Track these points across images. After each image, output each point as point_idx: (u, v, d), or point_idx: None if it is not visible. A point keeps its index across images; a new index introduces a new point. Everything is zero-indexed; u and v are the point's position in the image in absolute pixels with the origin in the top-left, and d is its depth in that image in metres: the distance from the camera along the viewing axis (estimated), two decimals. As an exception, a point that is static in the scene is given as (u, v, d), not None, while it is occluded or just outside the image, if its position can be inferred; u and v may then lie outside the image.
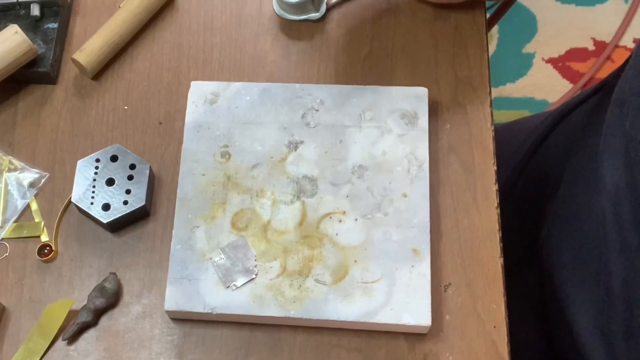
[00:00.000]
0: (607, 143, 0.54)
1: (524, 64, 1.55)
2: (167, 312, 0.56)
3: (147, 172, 0.59)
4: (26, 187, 0.61)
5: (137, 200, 0.58)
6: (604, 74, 1.51)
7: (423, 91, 0.60)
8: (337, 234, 0.56)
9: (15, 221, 0.60)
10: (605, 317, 0.55)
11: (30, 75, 0.64)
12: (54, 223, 0.60)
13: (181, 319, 0.57)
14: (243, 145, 0.59)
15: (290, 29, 0.66)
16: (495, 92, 1.52)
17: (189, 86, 0.62)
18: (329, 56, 0.65)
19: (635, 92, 0.50)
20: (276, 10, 0.66)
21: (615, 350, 0.55)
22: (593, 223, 0.56)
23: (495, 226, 0.58)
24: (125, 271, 0.58)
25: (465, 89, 0.63)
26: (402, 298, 0.54)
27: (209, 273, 0.55)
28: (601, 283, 0.55)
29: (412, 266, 0.55)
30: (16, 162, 0.62)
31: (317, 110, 0.60)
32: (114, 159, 0.60)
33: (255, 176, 0.58)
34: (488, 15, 0.66)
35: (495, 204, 0.59)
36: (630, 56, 0.55)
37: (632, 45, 1.56)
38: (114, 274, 0.57)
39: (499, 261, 0.57)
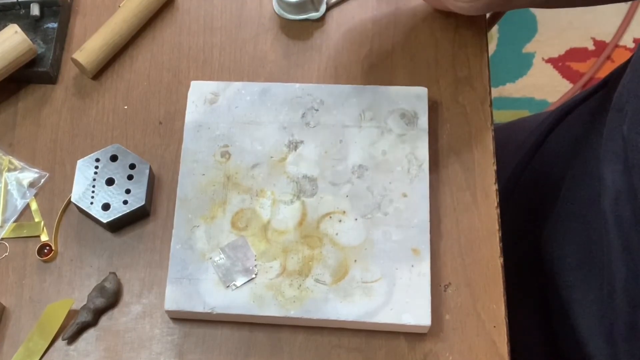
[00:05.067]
0: (607, 146, 0.54)
1: (524, 64, 1.55)
2: (167, 312, 0.56)
3: (147, 172, 0.59)
4: (26, 186, 0.61)
5: (136, 200, 0.58)
6: (604, 73, 1.51)
7: (423, 91, 0.60)
8: (337, 234, 0.56)
9: (15, 221, 0.60)
10: (608, 317, 0.55)
11: (30, 75, 0.64)
12: (54, 223, 0.60)
13: (181, 318, 0.57)
14: (243, 145, 0.59)
15: (290, 29, 0.66)
16: (495, 92, 1.52)
17: (189, 86, 0.62)
18: (329, 56, 0.65)
19: (632, 96, 0.50)
20: (276, 10, 0.66)
21: (618, 350, 0.55)
22: (595, 224, 0.56)
23: (495, 226, 0.58)
24: (125, 271, 0.58)
25: (465, 89, 0.63)
26: (402, 298, 0.54)
27: (209, 273, 0.55)
28: (604, 284, 0.55)
29: (412, 266, 0.55)
30: (16, 162, 0.62)
31: (317, 110, 0.60)
32: (113, 158, 0.60)
33: (255, 176, 0.58)
34: (488, 15, 0.66)
35: (495, 204, 0.59)
36: (629, 59, 0.55)
37: (632, 45, 1.56)
38: (114, 273, 0.58)
39: (499, 261, 0.57)
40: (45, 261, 0.59)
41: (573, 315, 0.60)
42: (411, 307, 0.54)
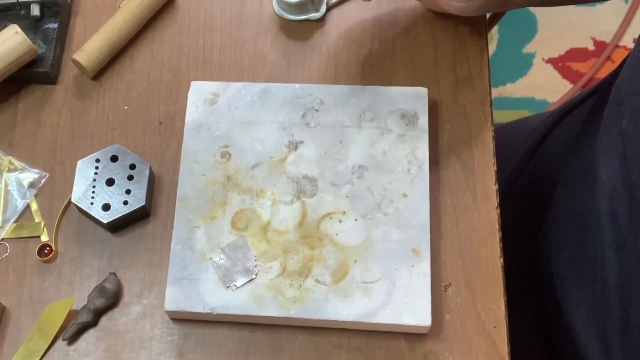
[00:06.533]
0: (604, 142, 0.54)
1: (524, 64, 1.55)
2: (167, 312, 0.56)
3: (147, 172, 0.59)
4: (26, 187, 0.61)
5: (137, 201, 0.58)
6: (604, 74, 1.51)
7: (423, 91, 0.60)
8: (337, 234, 0.56)
9: (15, 221, 0.60)
10: (601, 315, 0.56)
11: (30, 75, 0.64)
12: (54, 223, 0.60)
13: (181, 319, 0.57)
14: (243, 145, 0.59)
15: (290, 29, 0.66)
16: (495, 92, 1.52)
17: (189, 86, 0.62)
18: (329, 56, 0.65)
19: (631, 91, 0.50)
20: (276, 10, 0.66)
21: (611, 348, 0.55)
22: (590, 222, 0.56)
23: (495, 226, 0.58)
24: (125, 271, 0.58)
25: (465, 89, 0.63)
26: (402, 298, 0.54)
27: (209, 273, 0.55)
28: (597, 282, 0.55)
29: (412, 266, 0.55)
30: (16, 162, 0.62)
31: (317, 110, 0.60)
32: (114, 159, 0.60)
33: (255, 176, 0.58)
34: (488, 16, 0.66)
35: (495, 204, 0.59)
36: (627, 56, 0.55)
37: (632, 46, 1.56)
38: (114, 274, 0.58)
39: (499, 261, 0.57)
40: (45, 261, 0.59)
41: (567, 312, 0.60)
42: (411, 308, 0.54)
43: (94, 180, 0.59)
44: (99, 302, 0.56)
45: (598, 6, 1.59)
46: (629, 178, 0.50)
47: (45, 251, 0.59)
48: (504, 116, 1.48)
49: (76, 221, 0.60)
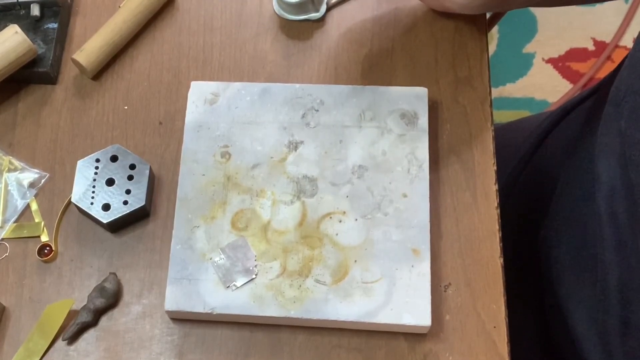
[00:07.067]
0: (603, 142, 0.54)
1: (524, 64, 1.55)
2: (167, 312, 0.56)
3: (147, 172, 0.59)
4: (26, 187, 0.61)
5: (137, 200, 0.58)
6: (604, 74, 1.51)
7: (423, 91, 0.60)
8: (337, 234, 0.56)
9: (15, 221, 0.60)
10: (601, 314, 0.56)
11: (30, 75, 0.64)
12: (54, 223, 0.60)
13: (181, 319, 0.57)
14: (243, 145, 0.59)
15: (290, 29, 0.66)
16: (495, 92, 1.52)
17: (189, 86, 0.62)
18: (329, 56, 0.65)
19: (630, 91, 0.50)
20: (276, 10, 0.66)
21: (611, 347, 0.55)
22: (589, 222, 0.56)
23: (495, 226, 0.58)
24: (125, 271, 0.58)
25: (465, 89, 0.63)
26: (402, 298, 0.54)
27: (209, 273, 0.55)
28: (597, 281, 0.55)
29: (412, 266, 0.55)
30: (16, 162, 0.62)
31: (317, 110, 0.60)
32: (114, 159, 0.60)
33: (255, 176, 0.58)
34: (488, 15, 0.66)
35: (495, 204, 0.59)
36: (626, 56, 0.55)
37: (632, 45, 1.55)
38: (114, 274, 0.58)
39: (499, 261, 0.57)
40: (45, 261, 0.59)
41: (567, 312, 0.60)
42: (411, 308, 0.54)
43: (94, 180, 0.59)
44: (99, 302, 0.56)
45: (598, 6, 1.59)
46: (628, 178, 0.50)
47: (45, 251, 0.59)
48: (504, 116, 1.48)
49: (76, 221, 0.60)
